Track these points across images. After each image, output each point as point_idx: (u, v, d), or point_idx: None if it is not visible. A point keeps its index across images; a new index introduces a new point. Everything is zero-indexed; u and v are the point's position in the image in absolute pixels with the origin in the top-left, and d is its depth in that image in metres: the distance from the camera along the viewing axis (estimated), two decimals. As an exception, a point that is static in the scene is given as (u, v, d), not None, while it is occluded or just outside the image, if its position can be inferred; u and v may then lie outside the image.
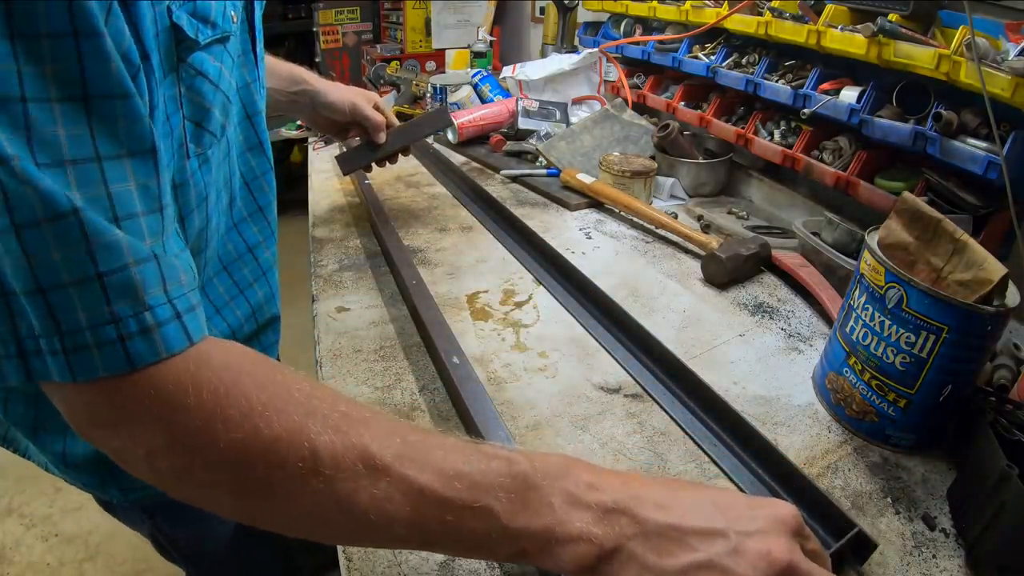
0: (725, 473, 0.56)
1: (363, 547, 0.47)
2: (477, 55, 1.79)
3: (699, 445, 0.59)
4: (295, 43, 3.42)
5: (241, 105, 0.57)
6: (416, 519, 0.34)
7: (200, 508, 0.37)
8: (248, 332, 0.65)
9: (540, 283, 0.87)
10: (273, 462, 0.33)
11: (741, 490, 0.54)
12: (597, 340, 0.74)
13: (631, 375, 0.68)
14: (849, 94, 0.89)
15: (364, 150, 0.99)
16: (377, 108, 0.96)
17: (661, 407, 0.64)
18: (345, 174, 1.01)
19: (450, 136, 1.43)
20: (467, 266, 0.92)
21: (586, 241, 1.00)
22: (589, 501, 0.35)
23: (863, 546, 0.46)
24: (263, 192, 0.64)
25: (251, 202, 0.63)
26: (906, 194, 0.62)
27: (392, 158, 1.02)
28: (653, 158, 1.17)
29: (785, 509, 0.36)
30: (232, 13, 0.47)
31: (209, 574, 0.82)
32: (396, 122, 1.00)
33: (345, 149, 1.17)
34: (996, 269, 0.52)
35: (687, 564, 0.33)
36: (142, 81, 0.35)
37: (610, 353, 0.72)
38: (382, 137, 0.96)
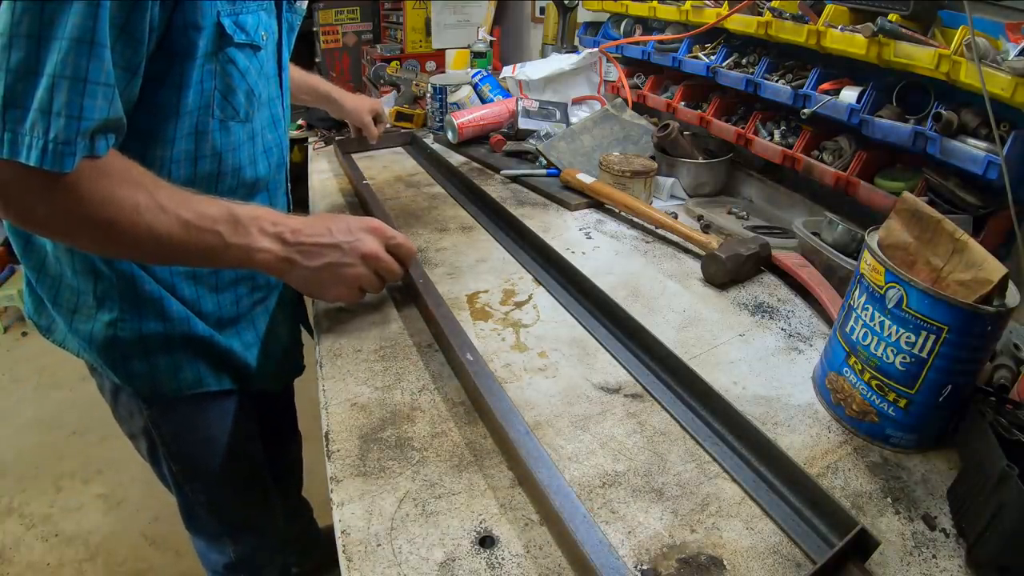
0: (727, 471, 0.56)
1: (163, 264, 0.72)
2: (477, 55, 1.79)
3: (701, 444, 0.59)
4: (295, 43, 3.41)
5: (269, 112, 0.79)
6: (183, 236, 0.60)
7: (193, 407, 0.82)
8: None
9: (540, 283, 0.87)
10: (145, 228, 0.59)
11: (744, 490, 0.54)
12: (597, 340, 0.74)
13: (632, 374, 0.68)
14: (849, 94, 0.89)
15: (361, 143, 1.43)
16: (377, 116, 1.36)
17: (662, 406, 0.64)
18: (344, 155, 1.34)
19: (450, 136, 1.43)
20: (467, 266, 0.92)
21: (586, 241, 1.00)
22: (271, 232, 0.66)
23: (865, 544, 0.46)
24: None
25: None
26: (906, 194, 0.62)
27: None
28: (653, 158, 1.17)
29: (373, 222, 0.73)
30: (263, 32, 0.70)
31: (200, 505, 0.92)
32: (387, 125, 1.52)
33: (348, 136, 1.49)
34: (996, 269, 0.52)
35: (323, 264, 0.69)
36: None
37: (610, 352, 0.72)
38: (373, 140, 1.39)
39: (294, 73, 1.07)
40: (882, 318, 0.56)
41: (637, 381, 0.67)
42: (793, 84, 0.99)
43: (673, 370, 0.66)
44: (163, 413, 0.82)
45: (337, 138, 1.49)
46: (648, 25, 1.40)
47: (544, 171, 1.25)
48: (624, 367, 0.70)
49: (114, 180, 0.56)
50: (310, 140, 1.56)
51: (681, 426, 0.61)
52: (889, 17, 0.81)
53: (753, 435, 0.56)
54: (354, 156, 1.39)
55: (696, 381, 0.63)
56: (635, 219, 1.06)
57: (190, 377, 0.78)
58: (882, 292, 0.56)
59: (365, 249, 0.70)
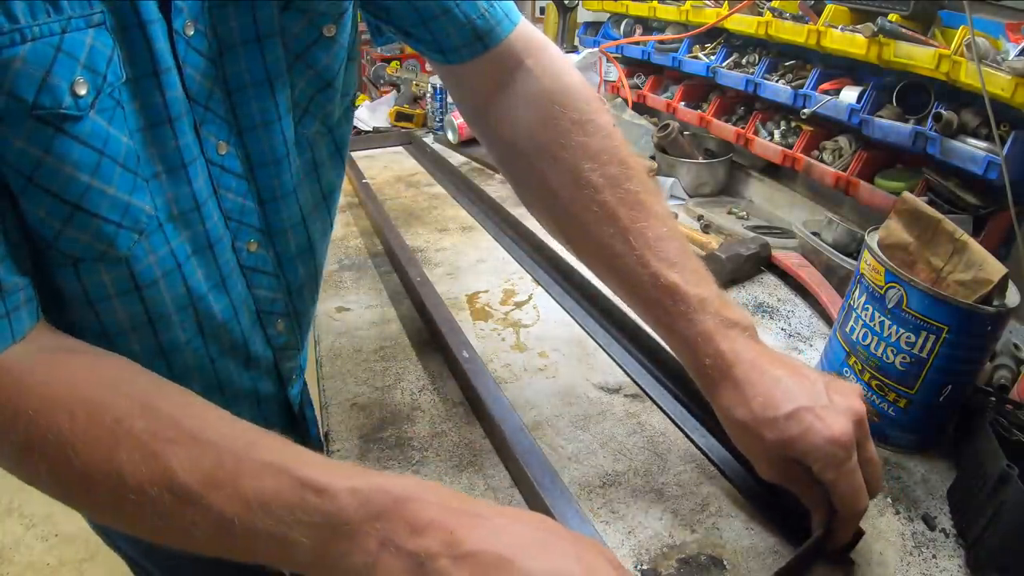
0: (723, 474, 0.56)
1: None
2: (477, 55, 1.79)
3: (697, 446, 0.59)
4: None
5: None
6: (222, 543, 0.34)
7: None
8: None
9: (539, 284, 0.87)
10: (88, 489, 0.34)
11: (739, 492, 0.54)
12: (596, 341, 0.74)
13: (630, 376, 0.68)
14: (849, 94, 0.89)
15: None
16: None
17: (659, 408, 0.63)
18: None
19: (450, 136, 1.43)
20: (467, 266, 0.92)
21: (586, 241, 1.00)
22: (407, 548, 0.32)
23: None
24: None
25: None
26: (906, 194, 0.62)
27: None
28: (653, 158, 1.17)
29: None
30: (80, 79, 0.37)
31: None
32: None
33: None
34: (996, 269, 0.52)
35: None
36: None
37: (608, 354, 0.72)
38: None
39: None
40: (882, 318, 0.56)
41: (635, 382, 0.67)
42: (793, 84, 0.99)
43: (671, 371, 0.66)
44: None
45: None
46: (648, 25, 1.40)
47: (544, 171, 1.24)
48: (622, 368, 0.69)
49: (33, 385, 0.34)
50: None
51: (678, 427, 0.61)
52: (889, 17, 0.81)
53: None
54: (354, 155, 1.39)
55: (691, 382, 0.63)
56: (635, 219, 1.06)
57: None
58: (882, 292, 0.56)
59: None
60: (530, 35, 0.54)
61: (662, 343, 0.66)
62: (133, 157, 0.37)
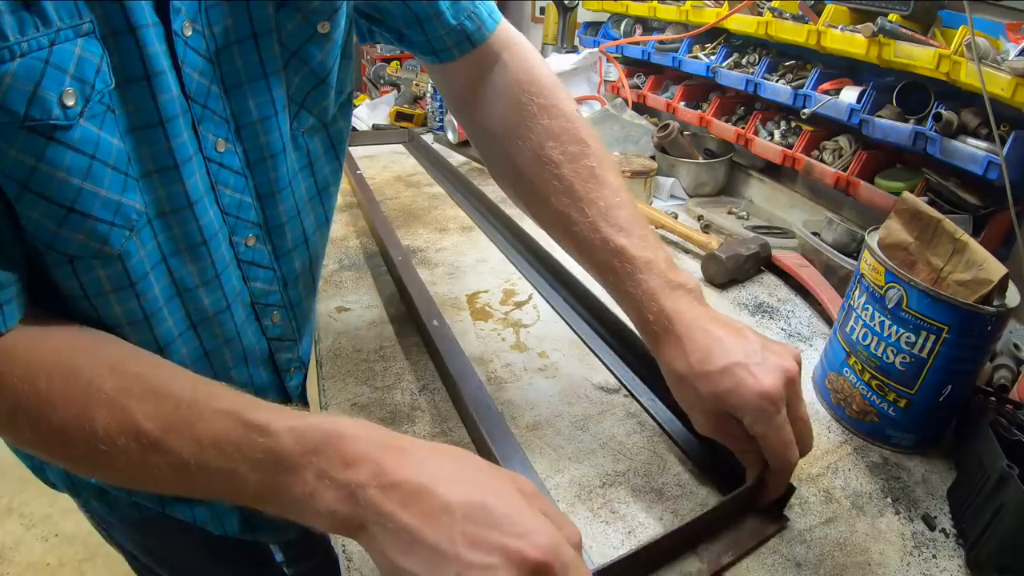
0: (709, 480, 0.56)
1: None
2: (477, 55, 1.79)
3: (685, 452, 0.58)
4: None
5: None
6: (181, 483, 0.38)
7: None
8: None
9: (535, 288, 0.86)
10: (64, 442, 0.37)
11: (722, 495, 0.54)
12: (589, 346, 0.74)
13: (620, 381, 0.68)
14: (849, 94, 0.89)
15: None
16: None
17: (648, 412, 0.63)
18: None
19: (450, 136, 1.43)
20: (467, 266, 0.92)
21: (586, 241, 1.00)
22: (340, 479, 0.34)
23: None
24: None
25: None
26: (906, 194, 0.62)
27: None
28: (653, 158, 1.17)
29: (536, 549, 0.32)
30: (69, 90, 0.38)
31: None
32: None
33: None
34: (996, 269, 0.52)
35: (392, 565, 0.33)
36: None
37: (601, 360, 0.71)
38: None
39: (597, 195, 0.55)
40: (882, 318, 0.56)
41: (627, 389, 0.67)
42: (793, 84, 0.99)
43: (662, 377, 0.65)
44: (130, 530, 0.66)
45: None
46: (648, 25, 1.40)
47: (544, 171, 1.24)
48: (615, 375, 0.69)
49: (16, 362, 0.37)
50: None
51: (668, 435, 0.61)
52: (889, 17, 0.81)
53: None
54: (353, 154, 1.39)
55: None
56: (635, 219, 1.06)
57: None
58: (882, 292, 0.56)
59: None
60: (507, 32, 0.59)
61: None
62: (124, 158, 0.38)
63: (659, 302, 0.49)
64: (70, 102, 0.34)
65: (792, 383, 0.46)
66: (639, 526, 0.51)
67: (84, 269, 0.40)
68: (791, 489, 0.51)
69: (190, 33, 0.39)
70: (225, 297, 0.48)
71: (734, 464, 0.53)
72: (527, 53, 0.59)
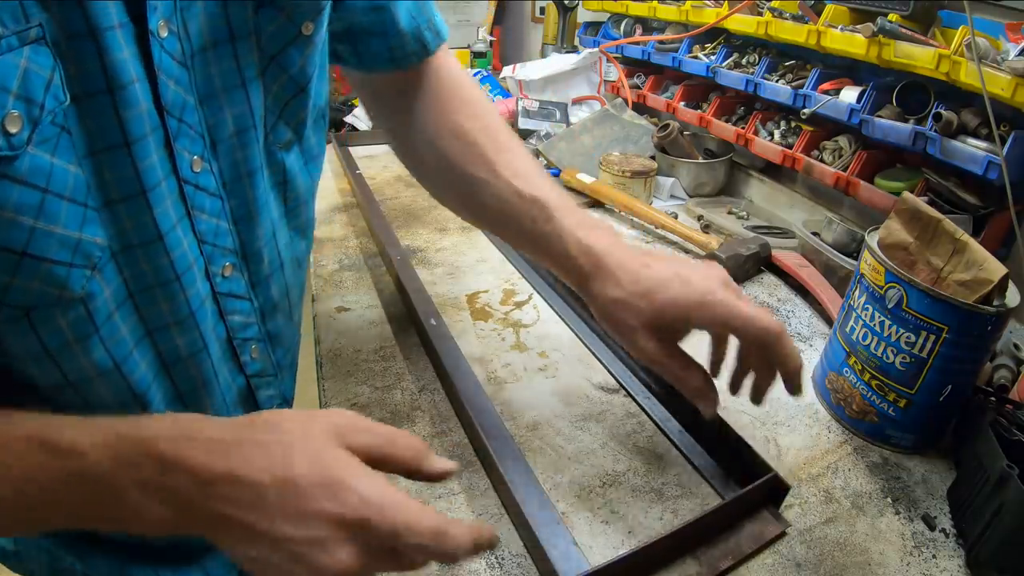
0: (707, 480, 0.56)
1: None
2: (477, 55, 1.79)
3: (685, 452, 0.58)
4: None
5: None
6: (13, 521, 0.34)
7: None
8: None
9: (535, 288, 0.86)
10: None
11: (721, 497, 0.53)
12: (587, 346, 0.74)
13: (619, 382, 0.68)
14: (849, 94, 0.89)
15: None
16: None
17: (646, 412, 0.63)
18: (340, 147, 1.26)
19: (450, 136, 1.43)
20: (467, 266, 0.92)
21: (586, 241, 1.00)
22: (162, 488, 0.33)
23: (779, 490, 0.51)
24: None
25: None
26: (906, 194, 0.62)
27: None
28: (653, 158, 1.17)
29: (349, 508, 0.32)
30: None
31: None
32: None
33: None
34: (996, 269, 0.52)
35: (243, 557, 0.34)
36: None
37: (601, 360, 0.71)
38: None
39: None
40: (882, 318, 0.56)
41: (624, 388, 0.67)
42: (793, 84, 0.99)
43: (661, 379, 0.65)
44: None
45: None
46: (648, 25, 1.40)
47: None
48: (612, 374, 0.69)
49: None
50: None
51: (664, 433, 0.61)
52: (889, 17, 0.81)
53: (737, 446, 0.56)
54: (354, 155, 1.39)
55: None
56: (635, 219, 1.06)
57: None
58: (882, 292, 0.56)
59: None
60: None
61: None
62: (82, 187, 0.33)
63: (585, 242, 0.49)
64: (14, 128, 0.28)
65: (727, 282, 0.46)
66: (639, 526, 0.51)
67: (42, 320, 0.35)
68: (786, 488, 0.51)
69: (165, 34, 0.34)
70: (201, 335, 0.44)
71: (735, 464, 0.53)
72: (451, 58, 0.62)
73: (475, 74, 1.61)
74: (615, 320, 0.48)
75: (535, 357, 0.72)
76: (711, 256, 0.87)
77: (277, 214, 0.49)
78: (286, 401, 0.59)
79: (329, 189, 1.23)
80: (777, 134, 1.06)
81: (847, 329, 0.61)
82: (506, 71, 1.54)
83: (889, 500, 0.54)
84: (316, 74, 0.47)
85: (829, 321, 0.78)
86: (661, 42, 1.28)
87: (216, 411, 0.49)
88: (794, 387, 0.46)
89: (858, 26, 0.84)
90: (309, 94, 0.47)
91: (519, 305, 0.82)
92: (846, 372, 0.61)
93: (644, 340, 0.47)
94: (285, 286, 0.53)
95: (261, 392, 0.54)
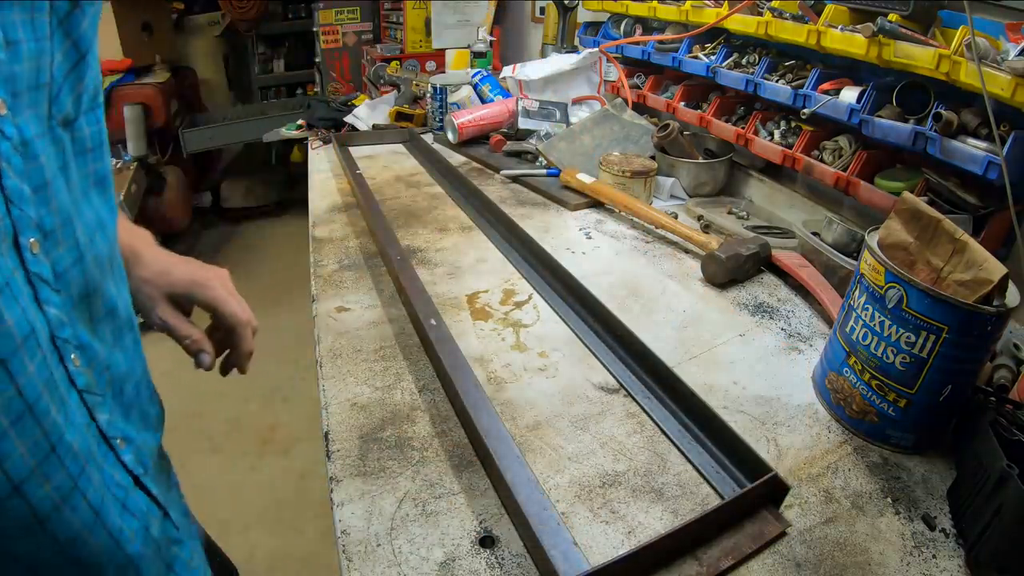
0: (705, 477, 0.56)
1: None
2: (477, 55, 1.79)
3: (685, 452, 0.58)
4: (295, 43, 3.42)
5: None
6: None
7: None
8: None
9: (535, 288, 0.86)
10: None
11: (721, 497, 0.54)
12: (587, 346, 0.74)
13: (618, 380, 0.68)
14: (849, 94, 0.89)
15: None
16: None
17: (646, 412, 0.63)
18: (341, 147, 1.19)
19: (450, 136, 1.43)
20: (467, 266, 0.92)
21: (586, 241, 1.00)
22: None
23: (778, 490, 0.51)
24: None
25: None
26: (906, 194, 0.62)
27: None
28: (653, 158, 1.17)
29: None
30: None
31: None
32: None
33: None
34: (996, 269, 0.52)
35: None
36: None
37: (600, 360, 0.71)
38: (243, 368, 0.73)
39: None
40: (882, 318, 0.56)
41: (624, 387, 0.67)
42: (793, 84, 0.99)
43: (660, 377, 0.66)
44: None
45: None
46: (648, 25, 1.40)
47: (544, 171, 1.25)
48: (612, 374, 0.69)
49: None
50: (309, 139, 1.56)
51: (662, 430, 0.61)
52: (889, 17, 0.81)
53: (737, 445, 0.56)
54: (354, 155, 1.39)
55: (678, 385, 0.63)
56: (635, 219, 1.06)
57: None
58: (882, 292, 0.56)
59: None
60: None
61: (663, 341, 0.67)
62: None
63: (126, 244, 0.59)
64: None
65: (223, 277, 0.62)
66: (639, 526, 0.51)
67: None
68: (786, 487, 0.51)
69: None
70: (29, 321, 0.38)
71: (735, 465, 0.53)
72: None
73: (475, 74, 1.61)
74: (144, 293, 0.61)
75: (535, 357, 0.72)
76: (711, 256, 0.87)
77: (70, 202, 0.43)
78: (137, 448, 0.47)
79: (329, 189, 1.23)
80: (777, 134, 1.06)
81: (847, 329, 0.61)
82: (506, 71, 1.54)
83: (889, 500, 0.54)
84: (93, 45, 0.43)
85: (829, 321, 0.78)
86: (661, 42, 1.28)
87: (66, 431, 0.40)
88: (240, 369, 0.62)
89: (858, 26, 0.84)
90: (89, 64, 0.43)
91: (519, 305, 0.82)
92: (846, 372, 0.61)
93: (164, 308, 0.60)
94: (85, 287, 0.44)
95: (100, 416, 0.44)
